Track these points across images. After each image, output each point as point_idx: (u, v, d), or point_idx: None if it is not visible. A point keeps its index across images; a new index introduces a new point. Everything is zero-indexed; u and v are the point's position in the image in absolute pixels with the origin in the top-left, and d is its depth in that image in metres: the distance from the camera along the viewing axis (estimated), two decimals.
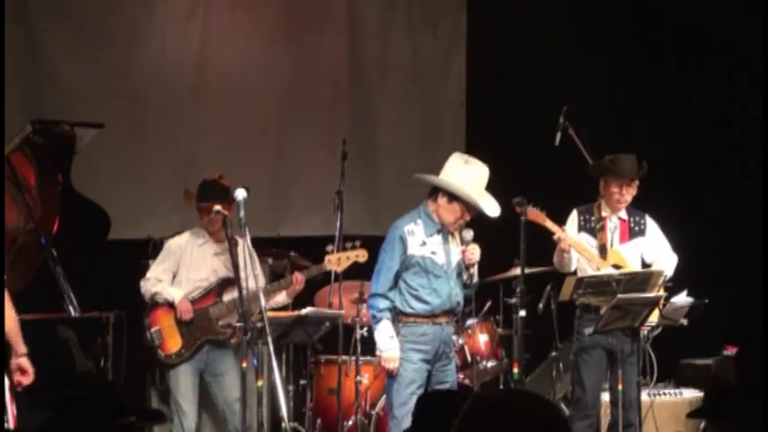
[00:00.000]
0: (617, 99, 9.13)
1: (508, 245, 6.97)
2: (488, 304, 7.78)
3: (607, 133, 8.01)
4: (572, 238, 7.00)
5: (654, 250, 7.20)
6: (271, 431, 7.21)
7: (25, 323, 6.08)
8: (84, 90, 8.58)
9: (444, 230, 6.34)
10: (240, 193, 6.23)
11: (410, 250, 6.30)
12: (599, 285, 6.82)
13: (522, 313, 6.70)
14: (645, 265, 7.19)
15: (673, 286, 7.10)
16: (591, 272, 6.99)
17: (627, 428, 6.89)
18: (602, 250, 7.07)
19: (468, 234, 6.31)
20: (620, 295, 6.65)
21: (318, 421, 7.53)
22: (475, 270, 6.40)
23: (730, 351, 8.03)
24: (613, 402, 7.06)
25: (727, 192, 8.96)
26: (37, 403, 5.58)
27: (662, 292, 6.91)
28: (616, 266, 7.00)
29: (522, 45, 9.29)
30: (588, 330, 6.84)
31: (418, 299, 6.29)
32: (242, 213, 6.21)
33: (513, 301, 7.05)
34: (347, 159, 7.82)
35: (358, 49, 9.52)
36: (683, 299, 7.14)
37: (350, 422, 7.25)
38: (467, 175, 6.30)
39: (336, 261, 7.10)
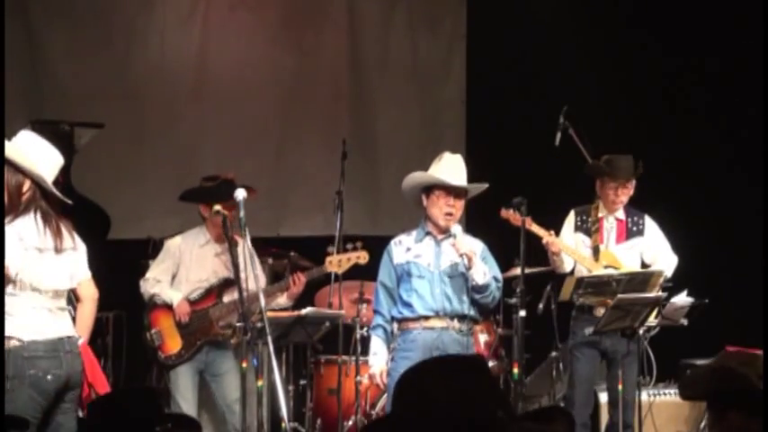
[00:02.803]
0: (617, 99, 9.12)
1: (508, 245, 6.96)
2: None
3: (607, 133, 8.00)
4: (561, 240, 7.01)
5: (653, 251, 7.21)
6: (271, 431, 7.21)
7: None
8: (84, 90, 8.59)
9: (434, 234, 6.27)
10: (240, 194, 6.22)
11: (395, 260, 6.30)
12: (599, 285, 6.83)
13: (522, 313, 6.69)
14: (644, 265, 7.20)
15: (673, 286, 7.10)
16: (586, 272, 7.00)
17: (624, 430, 6.89)
18: (595, 251, 7.09)
19: (455, 229, 6.21)
20: (620, 295, 6.66)
21: (318, 421, 7.53)
22: (477, 269, 6.18)
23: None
24: (611, 403, 7.07)
25: (728, 192, 8.96)
26: None
27: (662, 293, 6.91)
28: (608, 267, 7.00)
29: (521, 45, 9.29)
30: (588, 330, 6.85)
31: (404, 303, 6.25)
32: (242, 213, 6.20)
33: (513, 301, 7.05)
34: (347, 159, 7.82)
35: (358, 49, 9.52)
36: (683, 299, 7.13)
37: (350, 422, 7.25)
38: (438, 166, 6.28)
39: (337, 263, 7.10)
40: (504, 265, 7.57)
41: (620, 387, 6.86)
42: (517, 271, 6.89)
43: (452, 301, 6.21)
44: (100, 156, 8.06)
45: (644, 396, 7.27)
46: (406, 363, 6.11)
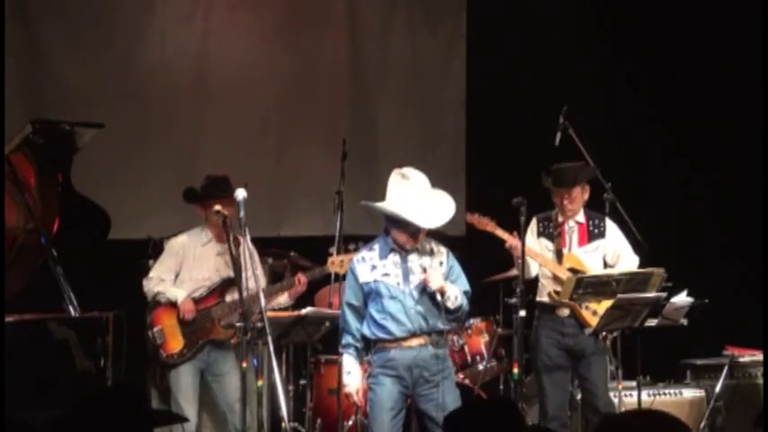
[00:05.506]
0: (617, 99, 9.13)
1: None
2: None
3: (607, 133, 8.01)
4: (525, 244, 6.99)
5: (615, 252, 7.20)
6: (271, 431, 7.22)
7: (25, 323, 6.09)
8: (84, 90, 8.59)
9: (399, 250, 6.13)
10: (240, 194, 6.23)
11: (361, 278, 6.15)
12: (599, 285, 6.83)
13: (522, 313, 6.70)
14: (606, 266, 7.20)
15: (673, 286, 7.11)
16: (550, 275, 7.02)
17: None
18: (559, 255, 7.09)
19: (425, 261, 6.12)
20: (620, 295, 6.67)
21: (318, 421, 7.54)
22: (450, 295, 6.08)
23: (730, 351, 8.05)
24: (586, 403, 7.08)
25: (728, 191, 8.97)
26: (36, 403, 5.59)
27: (662, 293, 6.92)
28: (572, 270, 7.00)
29: (522, 45, 9.29)
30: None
31: (378, 325, 6.13)
32: (242, 213, 6.21)
33: (513, 301, 7.05)
34: (347, 159, 7.82)
35: (358, 49, 9.52)
36: (683, 299, 7.15)
37: (350, 422, 7.25)
38: (404, 191, 6.09)
39: (339, 263, 7.11)
40: (505, 264, 7.59)
41: (620, 386, 6.88)
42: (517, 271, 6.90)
43: (428, 319, 6.12)
44: (100, 156, 8.05)
45: (644, 396, 7.27)
46: (390, 378, 6.12)
